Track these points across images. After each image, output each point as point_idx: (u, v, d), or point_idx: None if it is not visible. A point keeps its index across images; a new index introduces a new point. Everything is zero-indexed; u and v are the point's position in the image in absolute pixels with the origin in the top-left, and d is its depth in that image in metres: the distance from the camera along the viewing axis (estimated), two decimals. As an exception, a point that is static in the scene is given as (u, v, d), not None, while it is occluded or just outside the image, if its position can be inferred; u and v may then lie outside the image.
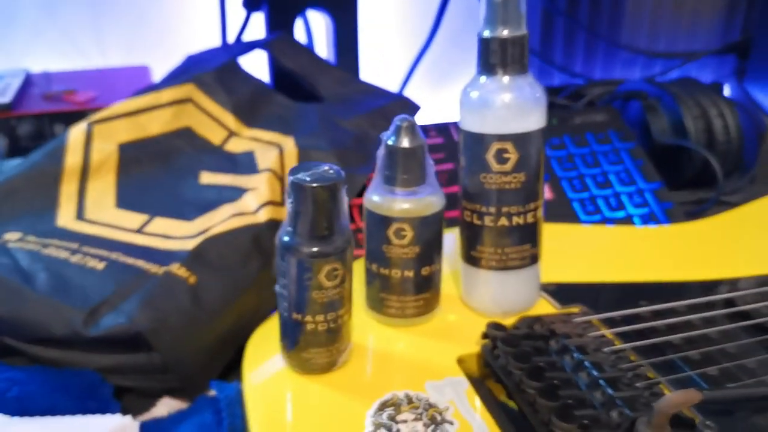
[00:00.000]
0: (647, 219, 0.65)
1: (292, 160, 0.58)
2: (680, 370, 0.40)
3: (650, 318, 0.44)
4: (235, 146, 0.61)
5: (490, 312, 0.45)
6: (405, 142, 0.41)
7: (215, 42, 0.76)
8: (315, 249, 0.37)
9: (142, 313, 0.43)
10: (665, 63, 0.99)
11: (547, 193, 0.66)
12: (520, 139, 0.41)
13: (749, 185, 0.77)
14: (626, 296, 0.47)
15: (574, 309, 0.46)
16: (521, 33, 0.40)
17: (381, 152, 0.42)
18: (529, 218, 0.43)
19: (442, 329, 0.44)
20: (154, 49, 0.81)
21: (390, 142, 0.41)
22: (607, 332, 0.43)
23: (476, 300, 0.45)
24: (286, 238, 0.38)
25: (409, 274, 0.43)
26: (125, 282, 0.45)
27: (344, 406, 0.38)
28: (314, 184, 0.36)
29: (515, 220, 0.42)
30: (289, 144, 0.60)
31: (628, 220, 0.65)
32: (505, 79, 0.41)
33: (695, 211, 0.68)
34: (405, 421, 0.37)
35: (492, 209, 0.42)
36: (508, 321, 0.44)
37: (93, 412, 0.42)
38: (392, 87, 0.75)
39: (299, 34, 0.79)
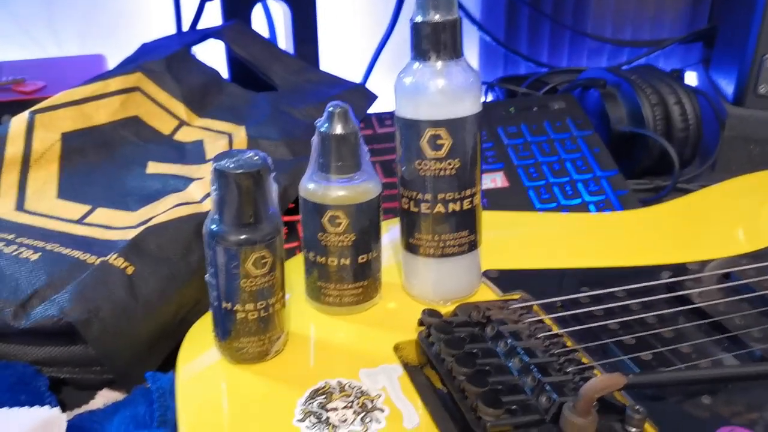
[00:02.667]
0: (602, 206, 0.65)
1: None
2: (614, 354, 0.40)
3: (589, 304, 0.44)
4: (185, 136, 0.60)
5: (429, 299, 0.45)
6: (338, 129, 0.41)
7: (171, 30, 0.75)
8: (241, 237, 0.37)
9: (74, 304, 0.42)
10: (632, 51, 0.99)
11: (502, 181, 0.66)
12: (453, 125, 0.41)
13: (709, 173, 0.78)
14: (569, 283, 0.47)
15: (516, 296, 0.46)
16: (453, 17, 0.40)
17: (315, 139, 0.42)
18: (466, 205, 0.43)
19: (381, 317, 0.44)
20: (109, 38, 0.80)
21: (323, 129, 0.41)
22: (546, 318, 0.43)
23: (416, 287, 0.45)
24: (213, 227, 0.37)
25: (346, 262, 0.42)
26: (59, 273, 0.44)
27: (276, 394, 0.38)
28: (238, 171, 0.36)
29: (451, 206, 0.42)
30: (240, 133, 0.59)
31: (583, 208, 0.65)
32: (438, 64, 0.40)
33: (650, 199, 0.68)
34: (335, 409, 0.37)
35: (428, 196, 0.42)
36: (447, 308, 0.44)
37: (25, 405, 0.41)
38: (354, 77, 0.74)
39: (259, 22, 0.79)
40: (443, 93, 0.40)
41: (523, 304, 0.44)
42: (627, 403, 0.35)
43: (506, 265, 0.48)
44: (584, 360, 0.40)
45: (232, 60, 0.74)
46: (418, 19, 0.40)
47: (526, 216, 0.59)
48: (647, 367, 0.39)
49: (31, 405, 0.41)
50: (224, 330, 0.39)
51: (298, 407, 0.37)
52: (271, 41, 0.71)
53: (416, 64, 0.41)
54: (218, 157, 0.36)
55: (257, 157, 0.36)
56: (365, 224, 0.42)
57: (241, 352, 0.39)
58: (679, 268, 0.48)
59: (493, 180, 0.66)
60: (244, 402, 0.38)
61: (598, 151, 0.69)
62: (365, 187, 0.42)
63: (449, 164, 0.41)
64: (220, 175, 0.36)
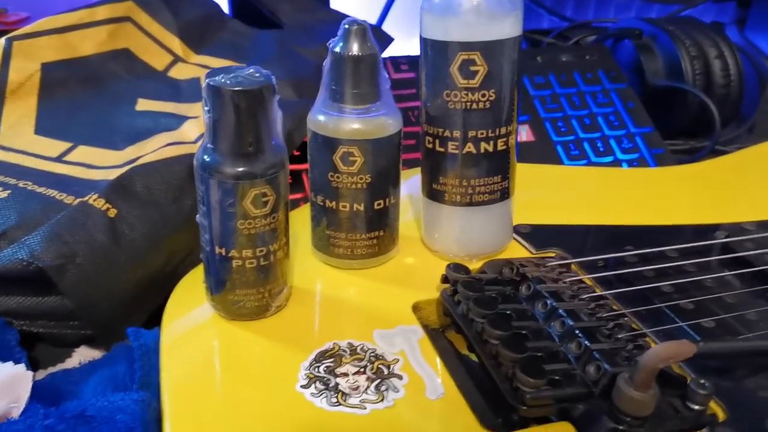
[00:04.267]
0: (636, 166, 0.59)
1: (241, 88, 0.51)
2: (670, 321, 0.34)
3: (637, 264, 0.38)
4: (180, 73, 0.54)
5: (453, 254, 0.39)
6: (354, 49, 0.35)
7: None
8: (239, 169, 0.31)
9: (46, 247, 0.36)
10: (661, 9, 0.92)
11: (528, 135, 0.60)
12: (489, 49, 0.35)
13: (747, 135, 0.72)
14: (610, 240, 0.42)
15: (551, 253, 0.40)
16: None
17: (327, 63, 0.36)
18: (500, 145, 0.37)
19: (397, 273, 0.39)
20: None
21: (337, 49, 0.35)
22: (587, 278, 0.38)
23: (438, 241, 0.40)
24: (205, 157, 0.31)
25: (360, 207, 0.37)
26: (32, 212, 0.39)
27: (276, 356, 0.33)
28: (236, 88, 0.30)
29: (483, 146, 0.36)
30: (241, 72, 0.53)
31: (615, 166, 0.59)
32: (476, -24, 0.34)
33: (688, 160, 0.62)
34: (345, 375, 0.31)
35: (456, 133, 0.36)
36: (474, 265, 0.39)
37: (-10, 361, 0.36)
38: (369, 18, 0.68)
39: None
40: (479, 10, 0.34)
41: (562, 262, 0.38)
42: (689, 378, 0.30)
43: (539, 220, 0.43)
44: (635, 326, 0.34)
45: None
46: None
47: (559, 169, 0.53)
48: (710, 335, 0.33)
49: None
50: (218, 280, 0.34)
51: (301, 371, 0.31)
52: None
53: (448, -23, 0.35)
54: (211, 73, 0.30)
55: (259, 74, 0.31)
56: (383, 164, 0.36)
57: (237, 306, 0.34)
58: (734, 228, 0.43)
59: (518, 133, 0.60)
60: (238, 364, 0.32)
61: (632, 106, 0.63)
62: (385, 120, 0.36)
63: (483, 96, 0.35)
64: (214, 93, 0.30)
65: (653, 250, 0.39)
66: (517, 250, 0.41)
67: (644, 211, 0.45)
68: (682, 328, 0.34)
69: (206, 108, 0.31)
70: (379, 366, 0.32)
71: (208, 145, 0.31)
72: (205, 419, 0.29)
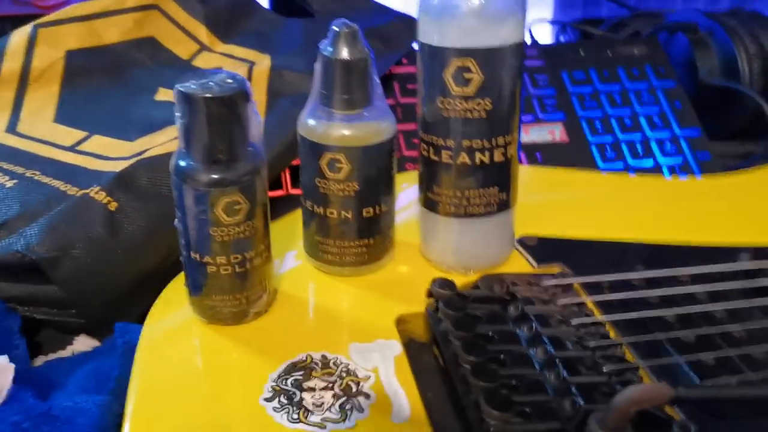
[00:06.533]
0: (678, 170, 0.56)
1: (261, 80, 0.51)
2: (666, 354, 0.32)
3: (644, 287, 0.36)
4: (204, 62, 0.54)
5: (449, 266, 0.38)
6: (344, 53, 0.33)
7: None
8: (209, 176, 0.30)
9: (42, 239, 0.37)
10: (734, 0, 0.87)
11: (561, 135, 0.57)
12: (485, 56, 0.33)
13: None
14: (623, 259, 0.39)
15: (554, 269, 0.38)
16: None
17: (317, 66, 0.34)
18: (497, 156, 0.35)
19: (388, 282, 0.37)
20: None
21: (326, 53, 0.34)
22: (588, 300, 0.35)
23: (434, 251, 0.38)
24: (180, 162, 0.31)
25: (348, 215, 0.36)
26: (35, 203, 0.40)
27: (247, 365, 0.32)
28: (206, 95, 0.29)
29: (479, 157, 0.35)
30: (264, 62, 0.53)
31: (655, 171, 0.56)
32: (474, -23, 0.32)
33: (736, 166, 0.58)
34: (313, 389, 0.31)
35: (451, 142, 0.34)
36: (470, 278, 0.37)
37: (-11, 345, 0.37)
38: (406, 8, 0.66)
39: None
40: (476, 14, 0.32)
41: (560, 282, 0.36)
42: (677, 418, 0.28)
43: (548, 232, 0.41)
44: (629, 357, 0.32)
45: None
46: None
47: (582, 175, 0.50)
48: (708, 373, 0.31)
49: (-1, 346, 0.37)
50: (195, 284, 0.33)
51: (269, 382, 0.31)
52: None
53: (447, -23, 0.33)
54: (185, 78, 0.30)
55: (232, 81, 0.30)
56: (372, 172, 0.35)
57: (213, 311, 0.33)
58: (761, 251, 0.39)
59: (551, 132, 0.57)
60: (209, 371, 0.32)
61: (679, 106, 0.59)
62: (375, 126, 0.35)
63: (478, 104, 0.34)
64: (184, 99, 0.29)
65: (664, 273, 0.36)
66: (519, 264, 0.39)
67: (664, 226, 0.42)
68: (679, 363, 0.31)
69: (177, 114, 0.30)
70: (349, 383, 0.31)
71: (182, 150, 0.31)
72: (163, 428, 0.29)
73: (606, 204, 0.46)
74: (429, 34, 0.34)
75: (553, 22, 0.80)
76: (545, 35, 0.81)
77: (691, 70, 0.64)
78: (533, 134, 0.57)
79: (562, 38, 0.79)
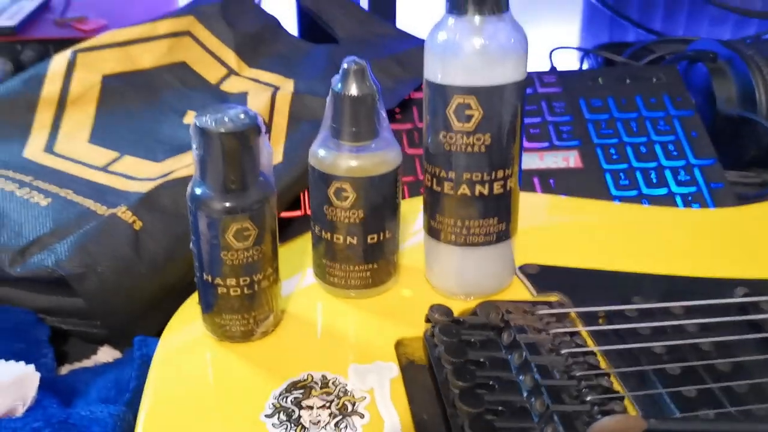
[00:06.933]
0: (691, 200, 0.56)
1: (284, 105, 0.53)
2: (651, 386, 0.33)
3: (636, 318, 0.37)
4: (231, 86, 0.57)
5: (450, 292, 0.39)
6: (353, 89, 0.35)
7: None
8: (221, 204, 0.33)
9: (71, 256, 0.40)
10: (761, 24, 0.86)
11: (576, 161, 0.58)
12: (485, 94, 0.34)
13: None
14: (622, 289, 0.40)
15: (553, 298, 0.39)
16: (497, -37, 0.33)
17: (328, 100, 0.37)
18: (496, 188, 0.36)
19: (391, 306, 0.39)
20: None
21: (336, 89, 0.36)
22: (583, 330, 0.37)
23: (437, 277, 0.40)
24: (196, 190, 0.33)
25: (353, 240, 0.38)
26: (66, 221, 0.43)
27: (251, 381, 0.34)
28: (220, 130, 0.31)
29: (478, 189, 0.36)
30: (288, 87, 0.55)
31: (668, 199, 0.57)
32: (476, 19, 0.34)
33: (752, 195, 0.59)
34: (311, 408, 0.33)
35: (452, 174, 0.36)
36: (470, 304, 0.39)
37: (19, 353, 0.40)
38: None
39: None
40: (476, 55, 0.34)
41: (556, 311, 0.37)
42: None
43: (550, 261, 0.42)
44: (616, 387, 0.33)
45: (302, 9, 0.70)
46: (454, -37, 0.34)
47: (593, 204, 0.51)
48: (688, 406, 0.32)
49: (28, 354, 0.40)
50: (207, 303, 0.36)
51: (270, 399, 0.33)
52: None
53: (451, 19, 0.35)
54: (201, 113, 0.32)
55: (244, 116, 0.32)
56: (377, 200, 0.37)
57: (223, 329, 0.36)
58: (759, 285, 0.40)
59: (565, 159, 0.58)
60: (217, 384, 0.34)
61: (695, 136, 0.60)
62: (380, 158, 0.37)
63: (478, 139, 0.35)
64: (200, 133, 0.32)
65: (657, 305, 0.38)
66: (519, 291, 0.40)
67: (671, 258, 0.43)
68: (662, 394, 0.32)
69: (194, 146, 0.32)
70: (345, 402, 0.33)
71: (197, 178, 0.33)
72: (171, 437, 0.31)
73: (614, 234, 0.47)
74: (433, 72, 0.36)
75: (576, 49, 0.81)
76: (569, 60, 0.82)
77: (709, 98, 0.65)
78: (548, 160, 0.58)
79: (586, 64, 0.80)
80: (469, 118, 0.35)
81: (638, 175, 0.58)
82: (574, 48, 0.80)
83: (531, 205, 0.51)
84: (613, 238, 0.46)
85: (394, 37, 0.63)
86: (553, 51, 0.75)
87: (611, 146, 0.59)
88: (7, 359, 0.37)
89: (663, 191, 0.57)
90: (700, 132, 0.60)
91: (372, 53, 0.59)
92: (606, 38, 0.88)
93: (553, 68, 0.74)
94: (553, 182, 0.57)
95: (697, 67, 0.66)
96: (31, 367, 0.36)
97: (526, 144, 0.58)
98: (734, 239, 0.46)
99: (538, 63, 0.75)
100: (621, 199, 0.56)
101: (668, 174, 0.58)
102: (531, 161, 0.57)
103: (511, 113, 0.35)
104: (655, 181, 0.57)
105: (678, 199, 0.57)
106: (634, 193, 0.57)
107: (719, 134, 0.62)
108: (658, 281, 0.41)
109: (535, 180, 0.56)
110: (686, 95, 0.62)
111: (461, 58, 0.34)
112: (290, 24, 0.67)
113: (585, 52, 0.79)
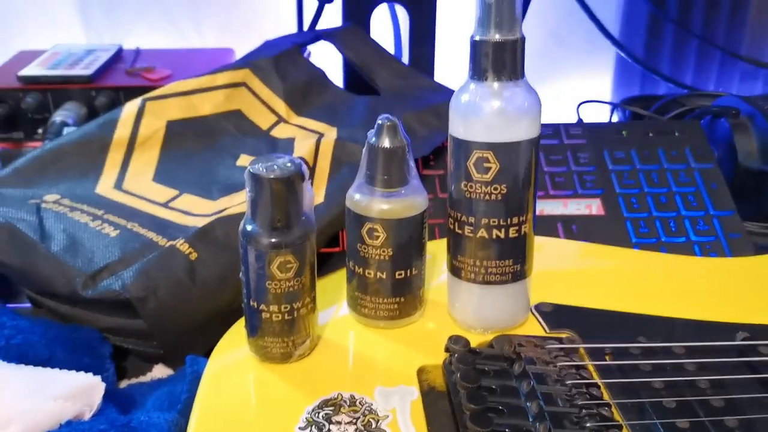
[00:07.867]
0: (709, 249, 0.59)
1: (327, 150, 0.59)
2: (648, 416, 0.36)
3: (639, 356, 0.41)
4: (280, 132, 0.62)
5: (469, 325, 0.43)
6: (386, 143, 0.40)
7: (294, 29, 0.78)
8: (268, 240, 0.38)
9: (135, 282, 0.45)
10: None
11: (598, 209, 0.62)
12: (502, 149, 0.39)
13: None
14: (628, 329, 0.44)
15: (563, 334, 0.43)
16: (514, 37, 0.38)
17: (364, 151, 0.42)
18: (512, 233, 0.41)
19: (416, 336, 0.44)
20: (245, 32, 0.84)
21: (371, 141, 0.41)
22: (590, 364, 0.40)
23: (458, 311, 0.44)
24: (247, 227, 0.38)
25: (383, 275, 0.42)
26: (131, 251, 0.48)
27: (288, 398, 0.39)
28: (270, 176, 0.37)
29: (495, 233, 0.40)
30: (331, 134, 0.60)
31: (687, 247, 0.60)
32: (495, 85, 0.39)
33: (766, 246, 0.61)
34: (339, 423, 0.37)
35: (472, 219, 0.41)
36: (487, 337, 0.43)
37: (86, 367, 0.45)
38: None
39: (383, 25, 0.80)
40: (493, 115, 0.39)
41: (565, 346, 0.41)
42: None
43: (564, 300, 0.46)
44: (616, 417, 0.37)
45: (347, 63, 0.76)
46: (477, 37, 0.39)
47: (608, 250, 0.55)
48: (679, 436, 0.35)
49: (93, 368, 0.45)
50: (252, 327, 0.40)
51: (304, 414, 0.37)
52: (380, 47, 0.72)
53: (472, 84, 0.40)
54: (255, 161, 0.37)
55: (291, 164, 0.37)
56: (405, 240, 0.41)
57: (265, 351, 0.40)
58: (762, 330, 0.43)
59: (588, 206, 0.62)
60: (258, 399, 0.39)
61: (715, 187, 0.63)
62: (409, 202, 0.41)
63: (495, 189, 0.40)
64: (253, 179, 0.37)
65: (659, 344, 0.41)
66: (533, 328, 0.44)
67: (676, 302, 0.46)
68: (656, 425, 0.36)
69: (247, 189, 0.38)
70: (370, 419, 0.37)
71: (249, 217, 0.38)
72: (217, 443, 0.36)
73: (628, 279, 0.50)
74: (456, 128, 0.40)
75: (602, 102, 0.85)
76: (601, 113, 0.86)
77: (731, 153, 0.68)
78: (571, 207, 0.62)
79: (616, 116, 0.84)
80: (487, 170, 0.39)
81: (658, 223, 0.61)
82: (600, 102, 0.84)
83: (553, 250, 0.55)
84: (627, 283, 0.50)
85: (431, 90, 0.68)
86: (580, 105, 0.79)
87: (633, 195, 0.63)
88: (77, 371, 0.42)
89: (681, 239, 0.60)
90: (720, 184, 0.63)
91: (410, 104, 0.64)
92: (637, 91, 0.92)
93: (579, 120, 0.78)
94: (576, 228, 0.61)
95: (720, 122, 0.70)
96: (98, 378, 0.42)
97: (551, 191, 0.62)
98: (743, 286, 0.49)
99: (567, 115, 0.79)
100: (641, 246, 0.60)
101: (687, 223, 0.61)
102: (555, 207, 0.61)
103: (525, 166, 0.40)
104: (674, 229, 0.61)
105: (696, 248, 0.60)
106: (653, 240, 0.60)
107: (741, 187, 0.65)
108: (664, 323, 0.44)
109: (559, 225, 0.60)
110: (707, 149, 0.66)
111: (481, 117, 0.39)
112: (336, 76, 0.73)
113: (614, 106, 0.83)
